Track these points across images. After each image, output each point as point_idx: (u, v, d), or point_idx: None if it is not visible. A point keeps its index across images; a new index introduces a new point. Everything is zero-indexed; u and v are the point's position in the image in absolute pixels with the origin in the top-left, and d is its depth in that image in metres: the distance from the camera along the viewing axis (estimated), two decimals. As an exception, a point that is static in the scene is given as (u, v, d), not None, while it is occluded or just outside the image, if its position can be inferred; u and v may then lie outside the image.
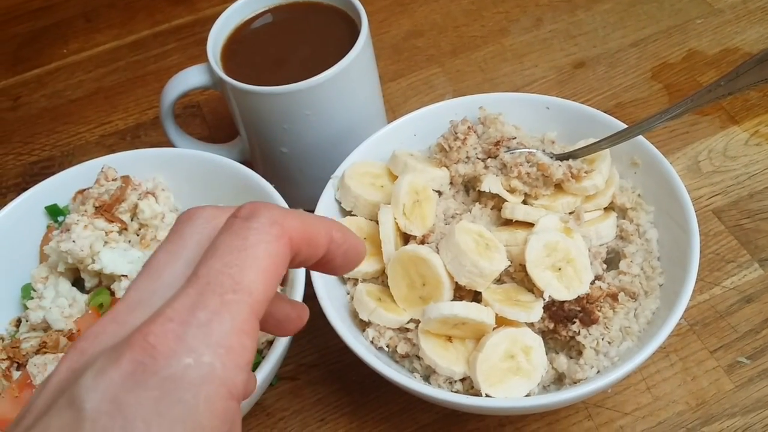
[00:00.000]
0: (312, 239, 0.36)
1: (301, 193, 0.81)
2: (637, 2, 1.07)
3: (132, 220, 0.72)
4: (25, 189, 0.94)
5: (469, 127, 0.72)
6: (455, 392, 0.61)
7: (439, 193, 0.72)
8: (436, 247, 0.65)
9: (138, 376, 0.29)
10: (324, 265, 0.39)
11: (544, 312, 0.62)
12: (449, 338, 0.63)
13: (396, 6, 1.13)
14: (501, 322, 0.62)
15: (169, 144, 0.84)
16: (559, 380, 0.64)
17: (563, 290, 0.62)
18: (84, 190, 0.74)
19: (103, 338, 0.32)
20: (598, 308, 0.63)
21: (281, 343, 0.62)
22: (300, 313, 0.43)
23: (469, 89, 0.99)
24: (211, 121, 1.00)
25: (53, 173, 0.95)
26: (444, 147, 0.72)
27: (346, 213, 0.73)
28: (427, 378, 0.63)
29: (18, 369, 0.66)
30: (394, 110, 0.96)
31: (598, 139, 0.71)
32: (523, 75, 1.01)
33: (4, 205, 0.92)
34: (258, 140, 0.81)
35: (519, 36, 1.06)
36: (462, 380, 0.62)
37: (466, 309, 0.59)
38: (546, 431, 0.68)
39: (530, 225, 0.67)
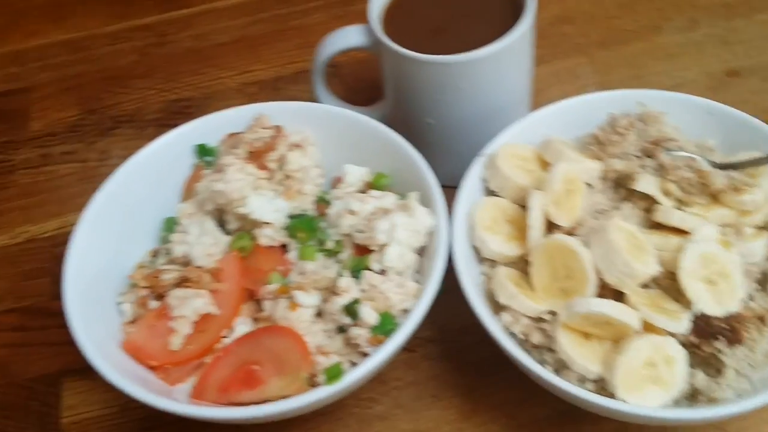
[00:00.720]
0: None
1: (436, 166, 0.80)
2: (801, 16, 1.02)
3: (278, 170, 0.73)
4: (164, 125, 0.97)
5: (630, 123, 0.70)
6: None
7: (588, 185, 0.70)
8: (585, 241, 0.63)
9: None
10: None
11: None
12: (586, 335, 0.61)
13: (546, -11, 1.10)
14: (644, 327, 0.60)
15: (307, 100, 0.84)
16: (692, 396, 0.61)
17: (714, 305, 0.60)
18: (235, 134, 0.75)
19: None
20: (746, 329, 0.61)
21: (418, 312, 0.62)
22: None
23: (614, 83, 0.96)
24: (349, 83, 1.00)
25: (192, 113, 0.98)
26: (601, 139, 0.70)
27: (489, 192, 0.72)
28: (556, 372, 0.62)
29: (155, 299, 0.68)
30: (535, 95, 0.94)
31: (764, 154, 0.68)
32: (673, 76, 0.97)
33: (144, 136, 0.96)
34: (405, 108, 0.80)
35: (671, 35, 1.02)
36: (595, 381, 0.60)
37: (614, 309, 0.58)
38: (664, 445, 0.66)
39: (682, 232, 0.65)
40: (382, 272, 0.66)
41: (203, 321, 0.65)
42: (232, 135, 0.76)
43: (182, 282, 0.65)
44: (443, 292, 0.65)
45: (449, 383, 0.72)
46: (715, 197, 0.68)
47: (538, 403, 0.70)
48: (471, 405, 0.71)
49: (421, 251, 0.69)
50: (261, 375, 0.61)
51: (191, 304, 0.63)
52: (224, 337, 0.66)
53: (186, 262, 0.68)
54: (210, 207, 0.70)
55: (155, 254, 0.73)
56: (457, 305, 0.73)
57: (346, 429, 0.69)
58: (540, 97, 0.93)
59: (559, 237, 0.63)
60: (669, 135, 0.71)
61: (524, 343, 0.64)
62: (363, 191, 0.72)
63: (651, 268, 0.61)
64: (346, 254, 0.68)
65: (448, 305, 0.66)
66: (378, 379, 0.73)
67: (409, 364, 0.74)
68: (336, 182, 0.76)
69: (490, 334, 0.61)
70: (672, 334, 0.60)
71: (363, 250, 0.67)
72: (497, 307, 0.65)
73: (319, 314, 0.66)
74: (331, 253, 0.69)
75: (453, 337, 0.75)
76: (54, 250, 0.85)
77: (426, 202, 0.69)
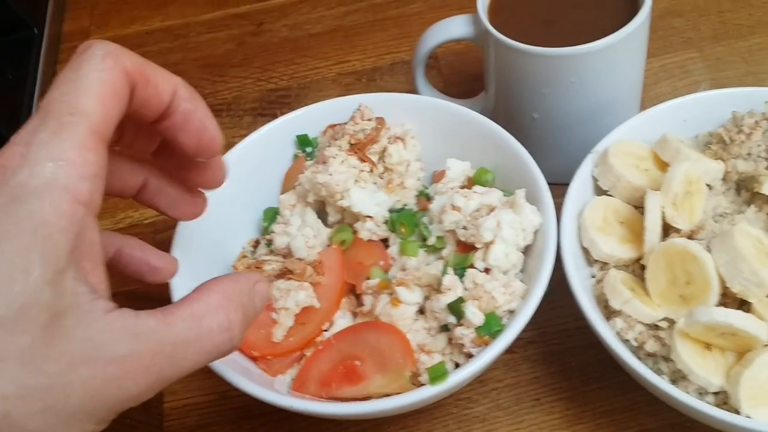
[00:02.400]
0: (150, 78, 0.40)
1: (538, 162, 0.77)
2: None
3: (377, 162, 0.72)
4: (261, 114, 0.98)
5: (756, 122, 0.66)
6: (706, 405, 0.56)
7: (709, 187, 0.66)
8: (707, 246, 0.60)
9: None
10: (171, 132, 0.43)
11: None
12: (707, 345, 0.58)
13: (655, -19, 1.05)
14: (770, 340, 0.56)
15: (404, 92, 0.82)
16: (820, 417, 0.57)
17: None
18: (335, 125, 0.74)
19: None
20: None
21: (526, 313, 0.59)
22: (167, 265, 0.51)
23: (729, 80, 0.91)
24: (447, 75, 0.98)
25: (289, 103, 0.98)
26: (724, 139, 0.66)
27: (600, 192, 0.68)
28: (673, 383, 0.59)
29: (256, 289, 0.67)
30: (644, 90, 0.90)
31: None
32: (794, 74, 0.91)
33: (242, 125, 0.96)
34: (508, 101, 0.78)
35: (791, 30, 0.96)
36: (715, 394, 0.57)
37: (742, 320, 0.54)
38: (785, 466, 0.62)
39: (812, 240, 0.61)
40: (487, 271, 0.64)
41: (304, 313, 0.64)
42: (332, 126, 0.75)
43: (284, 273, 0.65)
44: (545, 294, 0.63)
45: (551, 387, 0.70)
46: None
47: (646, 413, 0.67)
48: (575, 411, 0.68)
49: (526, 250, 0.66)
50: (363, 371, 0.60)
51: (294, 297, 0.63)
52: (324, 330, 0.65)
53: (287, 254, 0.68)
54: (311, 199, 0.69)
55: (256, 244, 0.73)
56: (558, 307, 0.71)
57: (444, 429, 0.68)
58: (649, 92, 0.89)
59: (680, 241, 0.59)
60: (798, 135, 0.66)
61: (638, 351, 0.60)
62: (465, 186, 0.70)
63: (781, 277, 0.57)
64: (449, 251, 0.66)
65: (548, 307, 0.63)
66: (477, 379, 0.71)
67: (509, 366, 0.72)
68: (437, 177, 0.74)
69: (602, 340, 0.59)
70: (801, 350, 0.56)
71: (466, 248, 0.65)
72: (607, 312, 0.62)
73: (421, 311, 0.64)
74: (433, 250, 0.67)
75: (554, 340, 0.73)
76: (155, 236, 0.86)
77: (532, 199, 0.67)
